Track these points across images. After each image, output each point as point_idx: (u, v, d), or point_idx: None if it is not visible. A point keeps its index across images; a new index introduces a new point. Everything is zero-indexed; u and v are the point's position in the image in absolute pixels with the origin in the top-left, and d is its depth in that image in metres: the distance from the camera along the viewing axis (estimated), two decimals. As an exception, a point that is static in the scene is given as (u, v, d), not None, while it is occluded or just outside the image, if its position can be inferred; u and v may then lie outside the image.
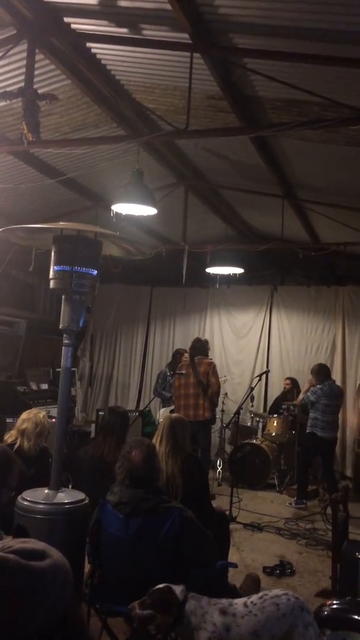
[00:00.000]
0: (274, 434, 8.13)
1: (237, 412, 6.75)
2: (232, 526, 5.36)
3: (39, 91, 3.93)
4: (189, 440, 4.16)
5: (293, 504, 7.11)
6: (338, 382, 7.93)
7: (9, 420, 5.91)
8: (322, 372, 7.19)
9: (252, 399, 7.72)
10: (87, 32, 3.86)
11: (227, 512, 5.67)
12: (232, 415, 6.95)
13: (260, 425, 8.71)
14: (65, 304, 3.63)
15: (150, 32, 3.72)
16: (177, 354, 8.42)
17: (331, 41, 3.40)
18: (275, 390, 9.24)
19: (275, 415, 8.32)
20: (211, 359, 7.64)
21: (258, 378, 7.37)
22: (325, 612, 3.04)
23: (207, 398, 7.11)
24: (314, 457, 7.29)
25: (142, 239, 8.14)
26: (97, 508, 3.15)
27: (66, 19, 3.77)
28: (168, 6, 3.25)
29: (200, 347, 7.51)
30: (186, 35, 3.55)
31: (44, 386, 8.99)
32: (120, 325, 10.68)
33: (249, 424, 8.66)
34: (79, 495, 3.52)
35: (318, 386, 7.10)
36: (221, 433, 8.59)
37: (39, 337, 9.28)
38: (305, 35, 3.39)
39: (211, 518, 3.76)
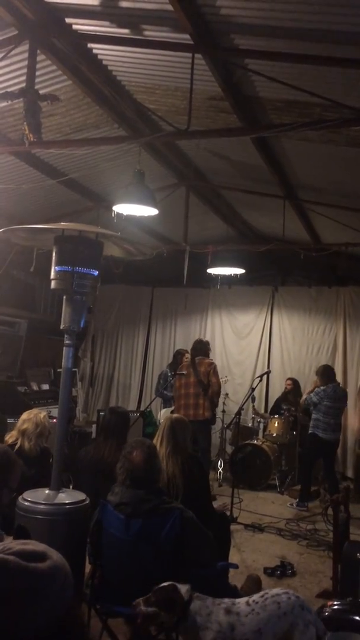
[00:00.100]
0: (275, 434, 8.13)
1: (238, 413, 6.75)
2: (233, 527, 5.35)
3: (41, 92, 3.93)
4: (189, 441, 4.16)
5: (294, 505, 7.11)
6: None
7: (9, 420, 5.91)
8: (326, 373, 7.19)
9: (253, 399, 7.71)
10: (89, 32, 3.86)
11: (228, 513, 5.66)
12: (233, 415, 6.95)
13: (261, 425, 8.71)
14: (66, 304, 3.63)
15: (151, 32, 3.72)
16: (178, 355, 8.42)
17: (332, 42, 3.40)
18: (276, 391, 9.23)
19: (276, 416, 8.32)
20: (212, 360, 7.65)
21: (259, 378, 7.38)
22: (326, 613, 3.04)
23: (207, 398, 7.12)
24: (315, 459, 7.28)
25: (143, 240, 8.14)
26: (97, 508, 3.15)
27: (67, 20, 3.77)
28: (169, 7, 3.25)
29: (202, 349, 7.53)
30: (187, 36, 3.55)
31: (45, 386, 8.99)
32: (122, 326, 10.68)
33: (250, 424, 8.66)
34: (80, 496, 3.52)
35: (322, 387, 7.10)
36: (222, 434, 8.60)
37: (40, 338, 9.29)
38: (306, 36, 3.39)
39: (212, 519, 3.75)
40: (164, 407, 8.36)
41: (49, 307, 9.73)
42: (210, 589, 2.69)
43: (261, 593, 2.70)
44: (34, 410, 4.64)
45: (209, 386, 7.15)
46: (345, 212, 6.42)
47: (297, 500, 7.14)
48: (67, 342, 3.67)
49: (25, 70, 3.90)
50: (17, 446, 4.22)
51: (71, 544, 3.24)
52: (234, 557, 4.73)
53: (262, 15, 3.30)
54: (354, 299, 9.05)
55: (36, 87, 3.89)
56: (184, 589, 2.54)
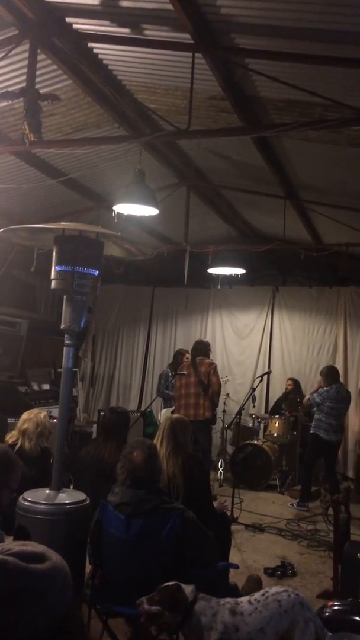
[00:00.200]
0: (275, 434, 8.13)
1: (239, 413, 6.75)
2: (233, 527, 5.35)
3: (41, 91, 3.94)
4: (190, 441, 4.16)
5: (295, 505, 7.10)
6: (339, 383, 7.91)
7: (10, 420, 5.91)
8: (330, 374, 7.19)
9: (254, 399, 7.72)
10: (89, 32, 3.86)
11: (229, 513, 5.65)
12: (234, 416, 6.95)
13: (262, 426, 8.70)
14: (67, 304, 3.62)
15: (151, 32, 3.72)
16: (179, 355, 8.42)
17: (333, 42, 3.39)
18: (276, 391, 9.23)
19: (276, 416, 8.32)
20: (212, 360, 7.65)
21: (260, 379, 7.37)
22: (327, 614, 3.04)
23: (207, 398, 7.13)
24: (316, 459, 7.28)
25: (143, 240, 8.14)
26: (98, 509, 3.15)
27: (68, 19, 3.77)
28: (170, 6, 3.24)
29: (202, 349, 7.54)
30: (188, 36, 3.55)
31: (46, 386, 8.99)
32: (122, 326, 10.68)
33: (250, 424, 8.65)
34: (80, 496, 3.52)
35: (325, 388, 7.09)
36: (223, 434, 8.60)
37: (40, 338, 9.28)
38: (307, 35, 3.39)
39: (212, 519, 3.75)
40: (165, 407, 8.36)
41: (49, 307, 9.73)
42: (210, 589, 2.69)
43: (262, 592, 2.74)
44: (35, 410, 4.64)
45: (209, 386, 7.16)
46: (346, 212, 6.41)
47: (298, 500, 7.14)
48: (67, 342, 3.66)
49: (25, 70, 3.90)
50: (17, 446, 4.22)
51: (72, 544, 3.24)
52: (234, 557, 4.73)
53: (263, 14, 3.30)
54: (354, 299, 9.05)
55: (36, 86, 3.89)
56: (188, 589, 2.55)
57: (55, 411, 5.88)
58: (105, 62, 4.24)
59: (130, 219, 5.67)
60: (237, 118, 4.62)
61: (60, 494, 3.50)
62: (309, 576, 4.98)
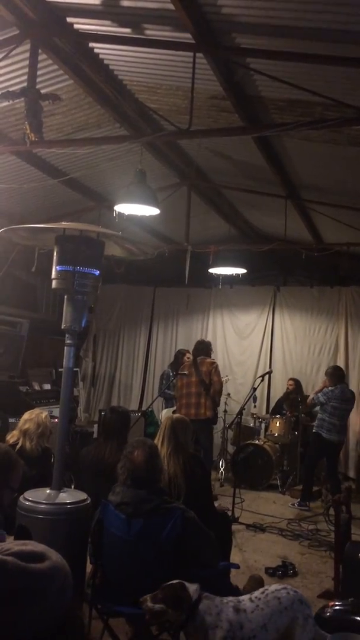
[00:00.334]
0: (276, 434, 8.12)
1: (240, 413, 6.75)
2: (234, 527, 5.35)
3: (42, 91, 3.94)
4: (190, 441, 4.15)
5: (296, 504, 7.10)
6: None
7: (11, 420, 5.92)
8: (336, 374, 7.18)
9: (255, 399, 7.71)
10: (90, 32, 3.86)
11: (230, 513, 5.65)
12: (235, 415, 6.94)
13: (263, 425, 8.70)
14: (68, 304, 3.62)
15: (153, 32, 3.72)
16: (179, 354, 8.42)
17: (333, 41, 3.39)
18: (277, 391, 9.22)
19: (277, 416, 8.31)
20: (213, 359, 7.65)
21: (260, 378, 7.37)
22: (328, 614, 3.04)
23: (209, 397, 7.12)
24: (319, 459, 7.26)
25: (144, 239, 8.14)
26: (99, 508, 3.15)
27: (69, 19, 3.77)
28: (171, 6, 3.24)
29: (203, 349, 7.54)
30: (189, 35, 3.55)
31: (47, 386, 8.99)
32: (123, 326, 10.68)
33: (251, 424, 8.65)
34: (81, 496, 3.52)
35: (330, 388, 7.09)
36: (224, 434, 8.59)
37: (41, 337, 9.28)
38: (307, 35, 3.39)
39: (213, 519, 3.75)
40: (166, 407, 8.36)
41: (50, 307, 9.73)
42: (212, 589, 2.68)
43: (261, 590, 2.78)
44: (36, 410, 4.63)
45: (210, 385, 7.16)
46: (347, 212, 6.41)
47: (299, 500, 7.13)
48: (68, 341, 3.66)
49: (26, 70, 3.90)
50: (18, 446, 4.22)
51: (72, 543, 3.24)
52: (235, 557, 4.72)
53: (264, 14, 3.30)
54: (355, 299, 9.04)
55: (37, 86, 3.90)
56: (192, 588, 2.55)
57: (56, 411, 5.87)
58: (106, 62, 4.24)
59: (131, 218, 5.67)
60: (238, 118, 4.62)
61: (61, 494, 3.50)
62: (310, 576, 4.97)
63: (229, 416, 8.23)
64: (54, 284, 3.64)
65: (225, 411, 8.40)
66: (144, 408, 8.40)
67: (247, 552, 5.44)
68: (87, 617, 3.17)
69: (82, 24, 3.80)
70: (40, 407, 6.32)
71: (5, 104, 4.30)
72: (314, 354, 9.24)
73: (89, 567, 3.38)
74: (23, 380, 8.61)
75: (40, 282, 9.33)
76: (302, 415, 8.21)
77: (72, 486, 4.37)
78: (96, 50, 4.10)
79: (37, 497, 3.38)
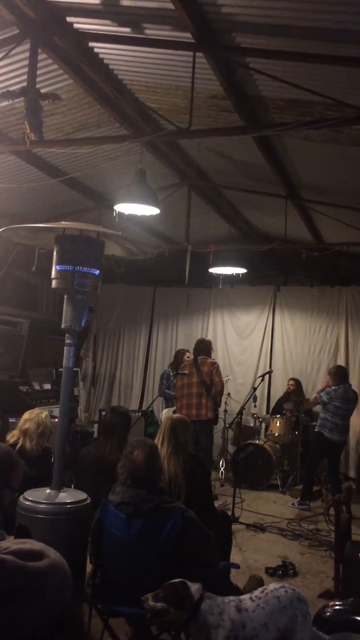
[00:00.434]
0: (276, 434, 8.12)
1: (240, 413, 6.75)
2: (234, 527, 5.35)
3: (42, 91, 3.94)
4: (191, 441, 4.15)
5: (296, 504, 7.09)
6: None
7: (11, 420, 5.92)
8: (339, 374, 7.17)
9: (255, 399, 7.71)
10: (90, 31, 3.86)
11: (230, 513, 5.65)
12: (235, 415, 6.94)
13: (263, 425, 8.69)
14: (67, 303, 3.62)
15: (152, 31, 3.72)
16: (179, 354, 8.42)
17: (334, 40, 3.39)
18: (278, 391, 9.22)
19: (278, 416, 8.31)
20: (214, 359, 7.64)
21: (261, 378, 7.36)
22: (328, 613, 3.04)
23: (210, 398, 7.11)
24: (320, 459, 7.25)
25: (144, 239, 8.14)
26: (99, 508, 3.15)
27: (69, 19, 3.77)
28: (170, 5, 3.24)
29: (204, 348, 7.53)
30: (189, 35, 3.55)
31: (47, 386, 8.99)
32: (123, 326, 10.68)
33: (251, 424, 8.65)
34: (81, 495, 3.52)
35: (333, 387, 7.08)
36: (224, 433, 8.59)
37: (41, 337, 9.29)
38: (307, 34, 3.38)
39: (213, 518, 3.74)
40: (166, 407, 8.35)
41: (50, 307, 9.73)
42: (212, 589, 2.68)
43: (260, 589, 2.79)
44: (36, 410, 4.63)
45: (212, 386, 7.14)
46: (347, 212, 6.41)
47: (299, 499, 7.13)
48: (68, 341, 3.66)
49: (26, 69, 3.90)
50: (18, 446, 4.21)
51: (72, 543, 3.24)
52: (235, 557, 4.72)
53: (264, 13, 3.29)
54: (356, 299, 9.04)
55: (37, 86, 3.89)
56: (194, 587, 2.56)
57: (56, 411, 5.87)
58: (106, 61, 4.24)
59: (131, 218, 5.67)
60: (238, 117, 4.62)
61: (61, 494, 3.50)
62: (310, 576, 4.97)
63: (229, 416, 8.23)
64: (53, 283, 3.64)
65: (225, 411, 8.40)
66: (144, 408, 8.40)
67: (247, 552, 5.44)
68: (87, 617, 3.17)
69: (82, 24, 3.80)
70: (41, 406, 6.32)
71: (5, 103, 4.30)
72: (314, 353, 9.23)
73: (89, 567, 3.37)
74: (23, 380, 8.61)
75: (41, 282, 9.33)
76: (302, 415, 8.22)
77: (72, 486, 4.37)
78: (96, 50, 4.09)
79: (37, 497, 3.38)
